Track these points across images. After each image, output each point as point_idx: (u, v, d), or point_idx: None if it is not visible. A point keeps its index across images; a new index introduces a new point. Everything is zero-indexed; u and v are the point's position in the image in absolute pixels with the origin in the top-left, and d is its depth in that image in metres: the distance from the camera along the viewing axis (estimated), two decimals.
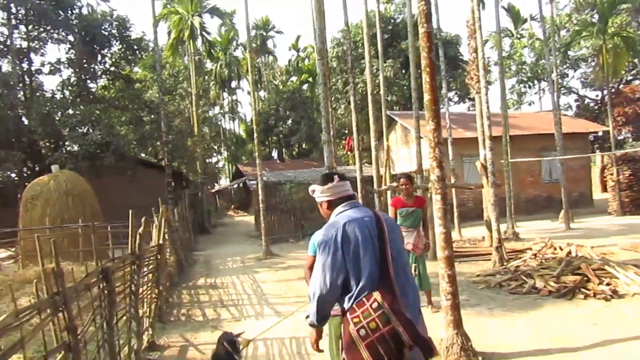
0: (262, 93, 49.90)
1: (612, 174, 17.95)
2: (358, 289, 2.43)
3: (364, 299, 2.38)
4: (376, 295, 2.35)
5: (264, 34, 48.82)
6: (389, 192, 10.99)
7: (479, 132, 11.28)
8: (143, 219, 5.26)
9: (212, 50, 35.82)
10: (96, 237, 11.71)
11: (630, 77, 26.00)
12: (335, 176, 2.75)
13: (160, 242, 6.93)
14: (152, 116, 20.61)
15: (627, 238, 12.28)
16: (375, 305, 2.31)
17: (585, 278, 7.62)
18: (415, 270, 7.00)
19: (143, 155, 25.37)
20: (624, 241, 11.67)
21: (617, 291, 7.10)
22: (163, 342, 6.38)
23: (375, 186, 12.35)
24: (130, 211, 5.47)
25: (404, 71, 32.03)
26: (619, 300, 6.86)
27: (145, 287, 6.26)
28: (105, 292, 4.11)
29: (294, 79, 47.82)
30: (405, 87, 31.68)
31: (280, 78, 51.69)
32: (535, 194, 19.78)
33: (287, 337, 6.24)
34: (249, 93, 51.50)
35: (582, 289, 7.31)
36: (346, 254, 2.45)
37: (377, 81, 14.16)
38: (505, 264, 9.52)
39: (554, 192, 20.14)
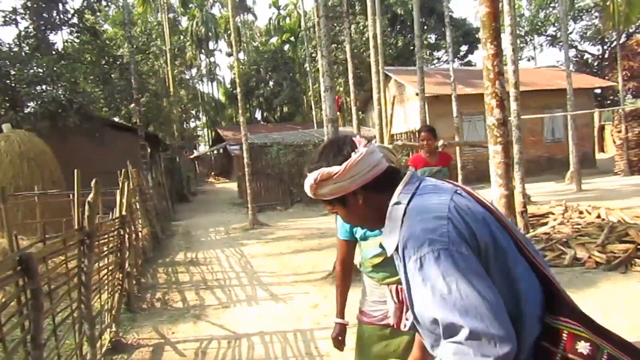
0: (241, 55, 47.56)
1: (619, 132, 16.83)
2: (527, 325, 1.18)
3: (546, 345, 1.18)
4: (571, 328, 1.17)
5: None
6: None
7: (486, 89, 9.83)
8: (93, 182, 3.79)
9: (187, 6, 33.45)
10: (57, 207, 10.26)
11: (632, 30, 24.73)
12: (356, 140, 1.39)
13: (124, 213, 5.46)
14: (124, 74, 18.72)
15: None
16: (586, 348, 1.15)
17: (637, 247, 6.45)
18: None
19: (116, 119, 23.48)
20: None
21: None
22: (131, 339, 5.02)
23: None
24: (94, 180, 3.99)
25: (390, 29, 30.38)
26: None
27: (105, 271, 4.83)
28: (28, 292, 2.70)
29: (274, 40, 45.49)
30: (393, 46, 30.12)
31: (260, 39, 49.32)
32: (538, 154, 18.69)
33: (290, 329, 4.94)
34: (227, 54, 49.25)
35: (638, 260, 6.15)
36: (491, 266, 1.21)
37: (367, 36, 12.61)
38: (531, 230, 8.32)
39: (557, 152, 19.11)
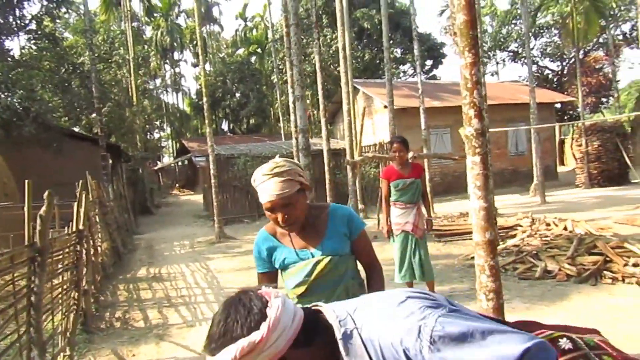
0: (207, 66, 47.05)
1: (580, 145, 17.29)
2: None
3: None
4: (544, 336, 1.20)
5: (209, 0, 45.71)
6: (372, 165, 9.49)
7: (464, 99, 9.90)
8: (46, 194, 3.48)
9: (152, 15, 32.87)
10: (10, 221, 9.66)
11: (588, 48, 25.71)
12: (262, 293, 1.15)
13: (81, 227, 5.10)
14: (84, 83, 18.07)
15: (610, 211, 11.54)
16: (568, 343, 1.19)
17: (606, 259, 6.50)
18: (415, 257, 5.64)
19: (76, 128, 22.66)
20: (607, 214, 10.89)
21: None
22: None
23: (348, 157, 10.81)
24: (47, 192, 3.67)
25: (357, 42, 30.61)
26: None
27: (59, 290, 4.48)
28: None
29: (241, 51, 45.20)
30: (360, 59, 30.32)
31: (227, 51, 48.96)
32: (502, 167, 18.99)
33: None
34: (193, 65, 48.63)
35: (607, 272, 6.18)
36: None
37: (335, 49, 12.53)
38: (501, 243, 8.33)
39: (520, 164, 19.51)
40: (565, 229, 8.93)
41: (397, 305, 1.07)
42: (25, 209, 3.52)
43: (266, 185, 1.89)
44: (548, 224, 9.40)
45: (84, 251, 5.39)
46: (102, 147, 16.40)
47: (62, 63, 17.68)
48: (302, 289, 2.05)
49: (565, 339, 1.19)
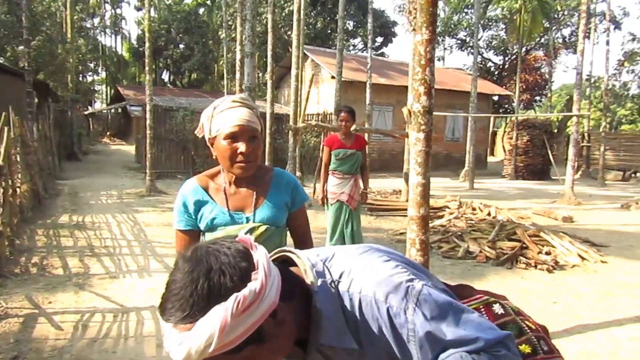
0: (152, 11, 44.54)
1: (511, 138, 18.19)
2: None
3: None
4: (480, 300, 1.26)
5: None
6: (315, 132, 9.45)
7: (410, 77, 10.11)
8: None
9: None
10: None
11: (530, 46, 26.82)
12: (244, 239, 1.01)
13: (1, 163, 4.74)
14: (13, 10, 16.58)
15: (530, 202, 12.31)
16: (500, 308, 1.25)
17: (523, 245, 6.94)
18: (347, 227, 5.73)
19: (1, 60, 20.85)
20: (528, 204, 11.60)
21: (558, 262, 6.50)
22: None
23: (291, 122, 10.70)
24: None
25: (311, 9, 30.12)
26: (562, 272, 6.25)
27: None
28: None
29: (189, 0, 43.12)
30: (312, 26, 29.91)
31: None
32: (438, 150, 19.60)
33: None
34: (136, 8, 45.78)
35: (522, 257, 6.61)
36: None
37: (287, 12, 12.24)
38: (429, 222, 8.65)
39: (454, 150, 20.24)
40: (489, 214, 9.43)
41: (382, 262, 1.02)
42: None
43: (235, 111, 1.68)
44: (474, 209, 9.87)
45: (1, 190, 5.02)
46: (28, 83, 15.21)
47: None
48: None
49: (498, 305, 1.22)
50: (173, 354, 0.87)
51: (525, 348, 1.13)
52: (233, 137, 1.66)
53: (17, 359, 3.47)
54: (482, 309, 1.19)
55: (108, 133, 35.52)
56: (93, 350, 3.68)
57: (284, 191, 1.84)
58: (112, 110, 36.69)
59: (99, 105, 46.79)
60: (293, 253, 1.07)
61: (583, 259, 6.63)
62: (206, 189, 1.79)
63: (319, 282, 1.00)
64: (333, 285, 1.00)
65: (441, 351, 0.96)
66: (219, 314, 0.84)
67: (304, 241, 1.96)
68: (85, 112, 34.85)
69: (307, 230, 1.97)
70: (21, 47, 17.50)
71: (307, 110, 11.26)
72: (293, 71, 10.90)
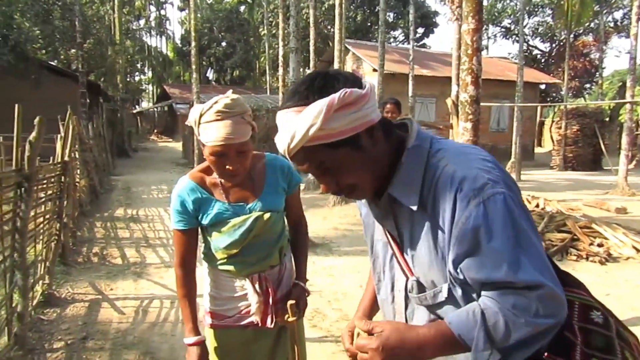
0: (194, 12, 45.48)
1: (559, 128, 17.62)
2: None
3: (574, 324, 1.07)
4: (581, 299, 1.12)
5: None
6: None
7: (453, 67, 9.99)
8: (36, 120, 3.44)
9: None
10: None
11: (578, 32, 25.80)
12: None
13: (67, 159, 5.06)
14: (66, 15, 17.34)
15: (579, 193, 11.92)
16: (599, 318, 1.10)
17: (573, 237, 6.78)
18: None
19: (54, 63, 21.89)
20: (578, 196, 11.25)
21: (611, 254, 6.32)
22: (66, 293, 4.71)
23: None
24: (38, 117, 3.59)
25: (349, 2, 30.03)
26: (615, 265, 6.06)
27: (42, 219, 4.48)
28: None
29: None
30: (352, 20, 29.84)
31: None
32: (482, 142, 19.04)
33: None
34: (179, 9, 47.07)
35: (573, 249, 6.46)
36: None
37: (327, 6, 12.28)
38: None
39: (500, 141, 19.78)
40: (537, 206, 9.22)
41: (481, 156, 1.04)
42: (15, 133, 3.47)
43: (222, 125, 1.58)
44: None
45: (67, 184, 5.35)
46: (81, 84, 15.95)
47: None
48: (235, 249, 1.77)
49: (599, 313, 1.11)
50: (280, 143, 1.04)
51: None
52: (219, 155, 1.62)
53: (86, 339, 3.73)
54: (576, 307, 1.11)
55: (156, 131, 36.67)
56: (153, 333, 3.90)
57: (279, 176, 1.85)
58: (159, 109, 37.84)
59: (146, 104, 48.34)
60: (411, 121, 1.16)
61: (638, 251, 6.42)
62: (203, 185, 1.75)
63: (416, 144, 1.08)
64: (427, 153, 1.07)
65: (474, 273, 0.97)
66: (327, 99, 0.98)
67: (299, 220, 2.01)
68: (134, 111, 36.13)
69: (301, 209, 2.02)
70: (73, 50, 18.34)
71: None
72: (335, 65, 10.97)
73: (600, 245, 6.52)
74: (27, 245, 3.65)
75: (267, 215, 1.76)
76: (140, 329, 3.98)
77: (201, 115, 1.61)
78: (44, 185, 4.43)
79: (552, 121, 19.87)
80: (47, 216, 4.62)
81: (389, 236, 1.16)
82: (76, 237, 6.65)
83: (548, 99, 26.84)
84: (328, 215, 9.01)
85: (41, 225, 4.37)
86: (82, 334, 3.82)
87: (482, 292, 0.99)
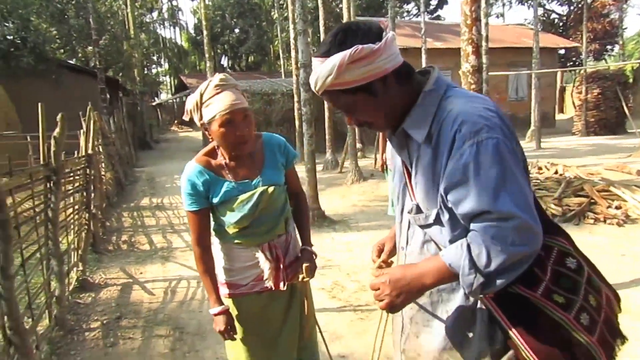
0: (205, 0, 45.48)
1: (580, 93, 17.27)
2: None
3: (541, 252, 1.20)
4: (560, 245, 1.26)
5: None
6: None
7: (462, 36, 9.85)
8: (58, 117, 3.66)
9: None
10: (13, 150, 9.84)
11: None
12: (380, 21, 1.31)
13: (90, 152, 5.31)
14: (80, 13, 17.67)
15: (601, 158, 11.77)
16: (573, 263, 1.25)
17: (591, 200, 6.78)
18: None
19: (73, 61, 22.36)
20: (599, 161, 11.12)
21: (629, 215, 6.31)
22: (99, 279, 5.00)
23: None
24: (60, 114, 3.81)
25: None
26: (632, 226, 6.06)
27: (71, 210, 4.74)
28: None
29: None
30: None
31: None
32: None
33: None
34: None
35: (590, 213, 6.48)
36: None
37: None
38: None
39: (520, 110, 19.50)
40: (556, 172, 9.18)
41: (485, 106, 1.18)
42: (40, 131, 3.70)
43: (224, 95, 1.79)
44: (540, 168, 9.64)
45: (92, 176, 5.61)
46: (100, 80, 16.31)
47: None
48: (245, 222, 1.92)
49: (574, 260, 1.25)
50: (311, 81, 1.25)
51: (560, 298, 1.20)
52: (227, 123, 1.78)
53: (121, 318, 3.99)
54: (554, 252, 1.25)
55: (176, 121, 37.14)
56: (182, 311, 4.15)
57: (277, 153, 2.02)
58: (178, 99, 38.23)
59: (164, 96, 48.89)
60: (434, 68, 1.31)
61: None
62: (209, 168, 1.90)
63: (432, 88, 1.25)
64: (440, 97, 1.23)
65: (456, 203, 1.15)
66: (343, 54, 1.16)
67: (298, 192, 2.19)
68: (153, 103, 36.59)
69: (299, 182, 2.20)
70: (90, 48, 18.70)
71: None
72: None
73: (618, 207, 6.51)
74: (59, 234, 3.90)
75: (270, 189, 1.92)
76: (170, 308, 4.23)
77: (201, 95, 1.80)
78: (71, 178, 4.68)
79: (573, 86, 19.43)
80: (76, 207, 4.89)
81: (403, 166, 1.37)
82: (105, 227, 6.97)
83: (568, 64, 26.22)
84: (346, 193, 9.16)
85: (71, 216, 4.64)
86: (116, 314, 4.09)
87: (470, 226, 1.16)
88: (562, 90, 26.04)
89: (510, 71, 17.82)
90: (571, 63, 26.92)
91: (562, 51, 23.93)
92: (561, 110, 25.84)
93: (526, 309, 1.19)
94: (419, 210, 1.31)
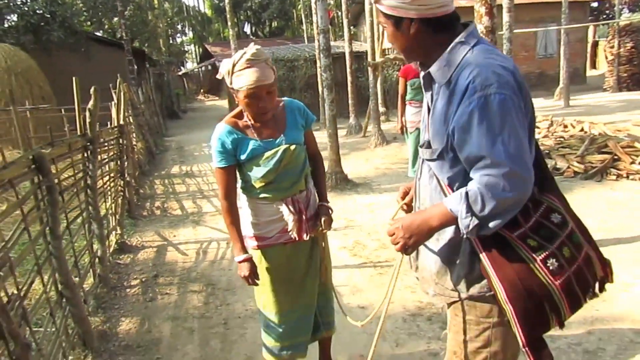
0: None
1: (612, 47, 16.67)
2: None
3: (529, 205, 1.40)
4: (549, 201, 1.45)
5: None
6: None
7: (475, 2, 9.63)
8: (92, 90, 3.90)
9: None
10: (49, 122, 10.29)
11: None
12: None
13: (122, 122, 5.59)
14: None
15: (632, 114, 11.50)
16: (557, 219, 1.42)
17: (614, 157, 6.75)
18: None
19: (99, 33, 22.73)
20: (629, 117, 10.88)
21: None
22: (136, 242, 5.36)
23: (369, 59, 10.84)
24: (93, 87, 4.06)
25: None
26: None
27: (107, 178, 5.07)
28: (43, 189, 2.91)
29: None
30: None
31: None
32: (529, 70, 18.52)
33: None
34: None
35: (613, 169, 6.47)
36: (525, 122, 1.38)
37: None
38: None
39: (548, 67, 18.99)
40: (582, 130, 9.07)
41: (503, 62, 1.33)
42: (75, 104, 3.96)
43: (253, 71, 1.96)
44: (565, 126, 9.53)
45: (125, 146, 5.92)
46: (127, 52, 16.61)
47: None
48: (271, 177, 2.13)
49: (559, 216, 1.42)
50: None
51: (533, 242, 1.37)
52: (252, 97, 1.99)
53: (157, 276, 4.33)
54: (542, 207, 1.41)
55: (202, 90, 37.44)
56: (213, 269, 4.46)
57: (297, 115, 2.24)
58: (203, 68, 38.44)
59: (190, 65, 49.12)
60: (472, 23, 1.46)
61: None
62: (237, 128, 2.13)
63: (462, 40, 1.39)
64: (467, 49, 1.37)
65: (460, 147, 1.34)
66: None
67: (316, 153, 2.41)
68: (180, 73, 36.90)
69: (316, 144, 2.41)
70: (116, 19, 18.97)
71: (385, 44, 11.26)
72: (367, 6, 10.89)
73: None
74: (98, 200, 4.21)
75: (292, 147, 2.15)
76: (202, 266, 4.55)
77: (234, 65, 2.00)
78: (105, 148, 4.98)
79: (606, 41, 18.74)
80: (112, 175, 5.21)
81: (427, 105, 1.55)
82: (139, 194, 7.34)
83: (601, 18, 25.16)
84: (370, 157, 9.30)
85: (107, 184, 4.96)
86: (154, 272, 4.43)
87: (470, 174, 1.34)
88: (595, 45, 25.09)
89: (538, 27, 17.29)
90: (604, 16, 25.79)
91: (595, 4, 22.93)
92: (593, 66, 24.96)
93: (502, 247, 1.38)
94: (429, 145, 1.49)
